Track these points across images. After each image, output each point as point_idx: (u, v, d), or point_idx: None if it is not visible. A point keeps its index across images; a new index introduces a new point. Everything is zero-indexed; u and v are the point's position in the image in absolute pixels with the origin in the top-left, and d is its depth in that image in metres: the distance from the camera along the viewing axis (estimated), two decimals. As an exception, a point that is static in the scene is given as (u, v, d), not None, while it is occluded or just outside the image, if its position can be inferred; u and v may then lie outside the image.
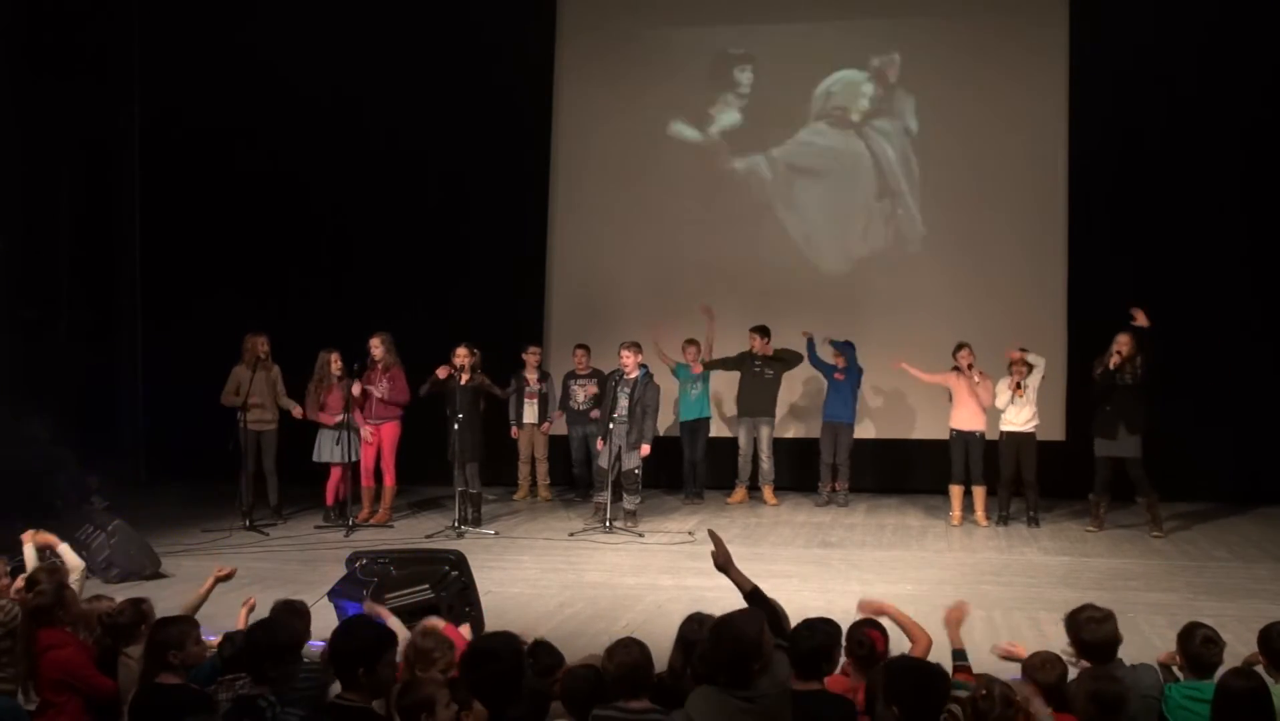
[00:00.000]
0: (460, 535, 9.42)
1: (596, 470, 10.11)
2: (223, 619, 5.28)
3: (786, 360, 10.97)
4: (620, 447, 9.63)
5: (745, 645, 3.43)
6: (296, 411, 10.18)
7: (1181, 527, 9.69)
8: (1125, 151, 11.00)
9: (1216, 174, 10.87)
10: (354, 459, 9.94)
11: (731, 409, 11.33)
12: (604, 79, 12.24)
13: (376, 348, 10.04)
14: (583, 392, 11.16)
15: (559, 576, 8.06)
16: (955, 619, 4.57)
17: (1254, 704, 3.61)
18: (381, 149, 12.32)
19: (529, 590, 7.57)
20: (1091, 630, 4.11)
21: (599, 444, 9.90)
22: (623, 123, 12.16)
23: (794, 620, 4.24)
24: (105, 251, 12.43)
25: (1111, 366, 9.40)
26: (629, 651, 3.68)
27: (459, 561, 6.30)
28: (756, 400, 10.99)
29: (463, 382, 9.71)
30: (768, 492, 11.08)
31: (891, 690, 3.46)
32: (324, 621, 5.84)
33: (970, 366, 9.91)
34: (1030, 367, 9.74)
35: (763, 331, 10.97)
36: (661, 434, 10.44)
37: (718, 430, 11.55)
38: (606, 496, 9.62)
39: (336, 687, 3.71)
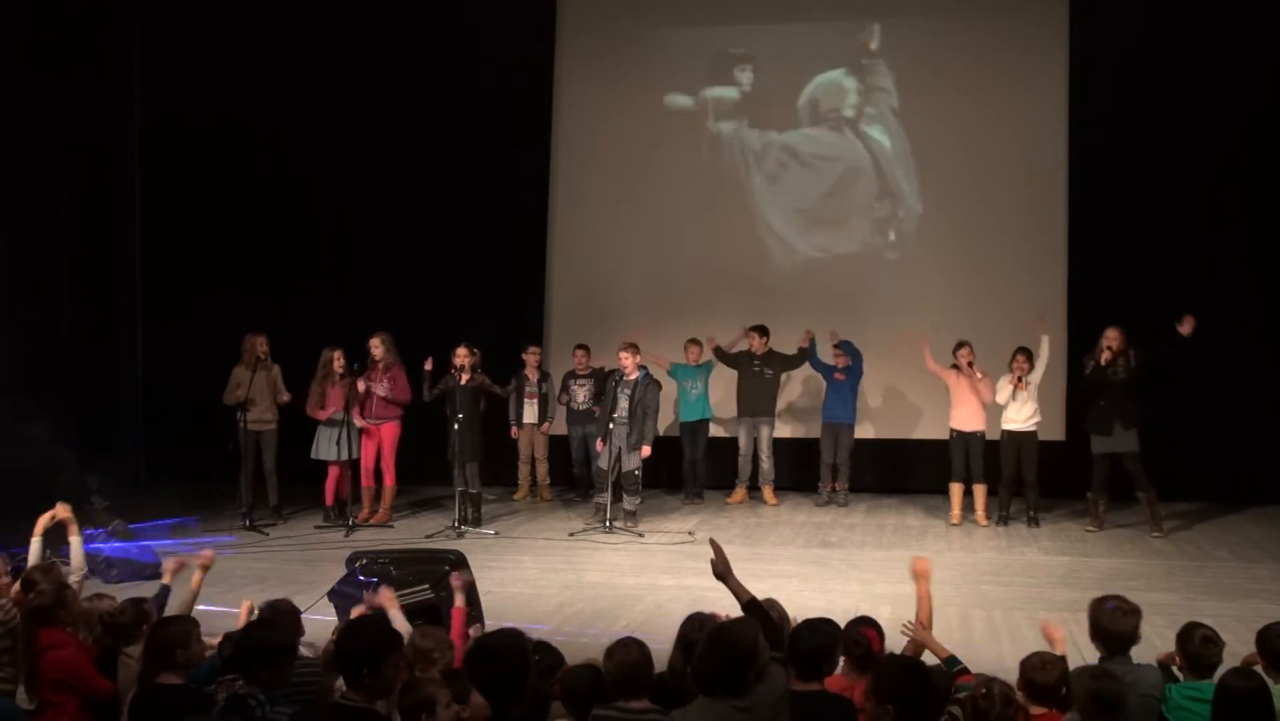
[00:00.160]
0: (460, 535, 9.43)
1: (596, 471, 10.11)
2: (223, 619, 5.28)
3: (788, 361, 10.98)
4: (620, 448, 9.63)
5: (740, 653, 3.43)
6: (284, 398, 10.18)
7: (1181, 527, 9.70)
8: (1125, 151, 10.99)
9: (1216, 173, 10.88)
10: (354, 457, 9.95)
11: (731, 409, 11.33)
12: (604, 79, 12.24)
13: (376, 347, 10.05)
14: (582, 392, 11.16)
15: (559, 576, 8.06)
16: (922, 570, 4.79)
17: (1254, 704, 3.61)
18: (381, 149, 12.33)
19: (529, 590, 7.57)
20: (1114, 620, 4.12)
21: (599, 445, 9.91)
22: (623, 123, 12.16)
23: (794, 620, 4.25)
24: (105, 251, 12.43)
25: (1102, 362, 9.40)
26: (629, 651, 3.68)
27: (459, 561, 6.30)
28: (756, 400, 10.99)
29: (463, 382, 9.72)
30: (768, 492, 11.08)
31: (886, 689, 3.44)
32: (323, 621, 5.86)
33: (971, 365, 9.91)
34: (1031, 366, 9.74)
35: (761, 331, 10.97)
36: (661, 434, 10.44)
37: (718, 430, 11.55)
38: (606, 497, 9.63)
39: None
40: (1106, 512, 9.70)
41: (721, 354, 11.08)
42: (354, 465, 10.02)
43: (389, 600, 4.83)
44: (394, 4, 12.17)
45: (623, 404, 9.67)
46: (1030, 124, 11.37)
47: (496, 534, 9.64)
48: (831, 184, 11.90)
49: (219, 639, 4.45)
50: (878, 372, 11.12)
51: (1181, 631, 4.16)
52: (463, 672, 3.76)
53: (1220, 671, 3.93)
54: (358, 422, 9.96)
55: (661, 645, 4.07)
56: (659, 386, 10.08)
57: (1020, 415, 9.79)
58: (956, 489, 10.05)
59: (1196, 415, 10.49)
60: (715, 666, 3.45)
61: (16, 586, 5.07)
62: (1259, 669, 3.96)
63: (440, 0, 12.17)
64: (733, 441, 11.24)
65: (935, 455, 10.64)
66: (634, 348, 9.79)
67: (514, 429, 11.31)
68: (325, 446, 10.03)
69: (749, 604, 4.24)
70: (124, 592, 5.52)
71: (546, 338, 12.16)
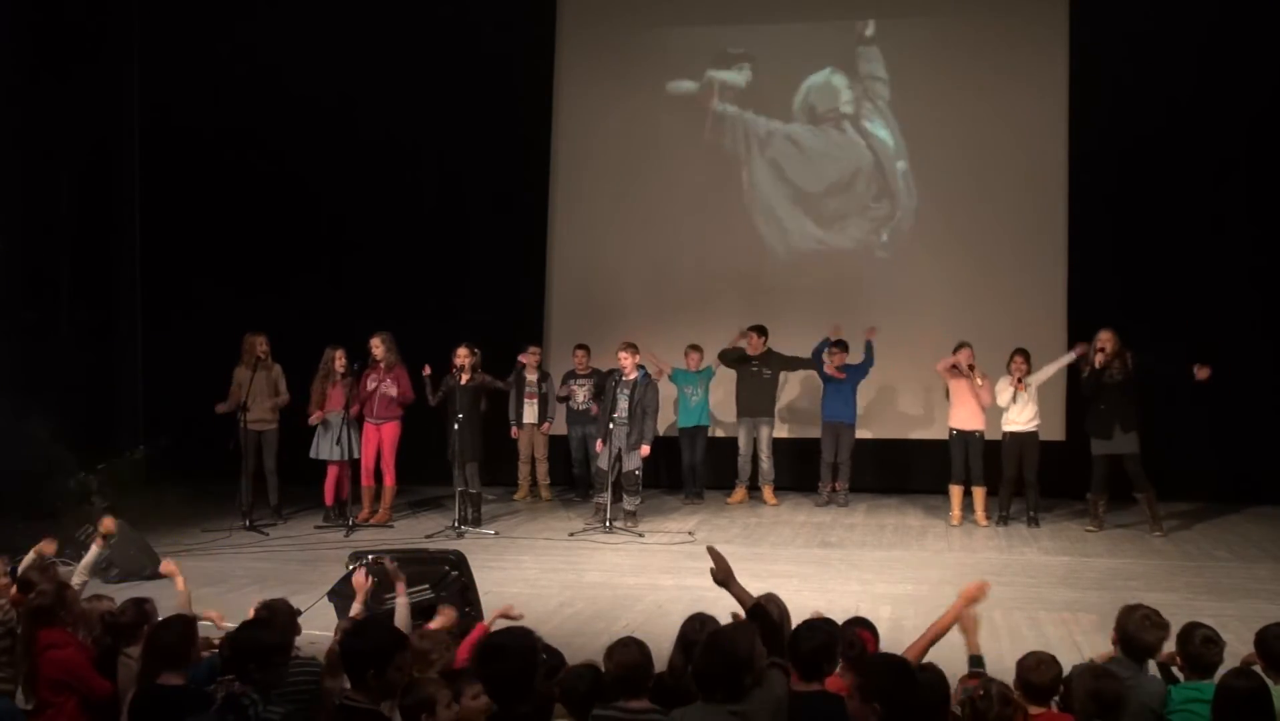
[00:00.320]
0: (460, 535, 9.43)
1: (596, 471, 10.11)
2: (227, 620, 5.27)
3: (787, 361, 10.97)
4: (620, 449, 9.63)
5: (737, 658, 3.42)
6: (283, 399, 10.24)
7: (1181, 527, 9.70)
8: (1125, 151, 10.98)
9: (1217, 173, 10.87)
10: (353, 456, 9.95)
11: (731, 409, 11.32)
12: (604, 78, 12.24)
13: (377, 347, 10.05)
14: (582, 392, 11.16)
15: (559, 576, 8.06)
16: (970, 594, 4.40)
17: (1254, 704, 3.61)
18: (381, 149, 12.31)
19: (529, 590, 7.56)
20: (1141, 629, 4.09)
21: (598, 445, 9.91)
22: (623, 123, 12.17)
23: (794, 620, 4.24)
24: (105, 251, 12.42)
25: (1098, 365, 9.39)
26: (629, 651, 3.68)
27: (459, 561, 6.31)
28: (755, 400, 10.99)
29: (463, 382, 9.73)
30: (768, 493, 11.08)
31: (870, 688, 3.42)
32: (323, 621, 5.86)
33: (972, 368, 9.90)
34: (1029, 368, 9.74)
35: (760, 331, 10.97)
36: (661, 434, 10.44)
37: (717, 430, 11.55)
38: (606, 497, 9.63)
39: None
40: (1106, 513, 9.70)
41: (726, 357, 11.07)
42: (354, 465, 10.02)
43: (399, 584, 4.84)
44: (394, 4, 12.17)
45: (622, 404, 9.67)
46: (1030, 124, 11.37)
47: (496, 534, 9.64)
48: (831, 183, 11.90)
49: (219, 639, 4.46)
50: (877, 372, 11.08)
51: (1182, 631, 4.14)
52: (466, 671, 3.76)
53: (1220, 671, 3.93)
54: (353, 412, 9.94)
55: (661, 645, 4.07)
56: (658, 386, 10.06)
57: (1022, 417, 9.78)
58: (956, 490, 10.04)
59: (1196, 415, 10.47)
60: (712, 671, 3.44)
61: (14, 587, 5.08)
62: (1258, 669, 3.96)
63: (441, 1, 12.16)
64: (732, 441, 11.24)
65: (935, 455, 10.64)
66: (633, 347, 9.79)
67: (514, 429, 11.30)
68: (325, 446, 10.03)
69: (754, 609, 4.24)
70: (123, 593, 5.52)
71: (546, 338, 12.15)
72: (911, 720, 3.42)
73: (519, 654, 3.63)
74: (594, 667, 3.80)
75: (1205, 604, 7.05)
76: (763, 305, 11.41)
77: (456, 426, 9.62)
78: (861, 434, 11.14)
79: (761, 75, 12.03)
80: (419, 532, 9.58)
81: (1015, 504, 9.98)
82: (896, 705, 3.37)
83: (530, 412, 11.29)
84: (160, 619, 4.42)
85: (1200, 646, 4.04)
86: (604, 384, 10.23)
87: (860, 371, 10.72)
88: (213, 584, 7.57)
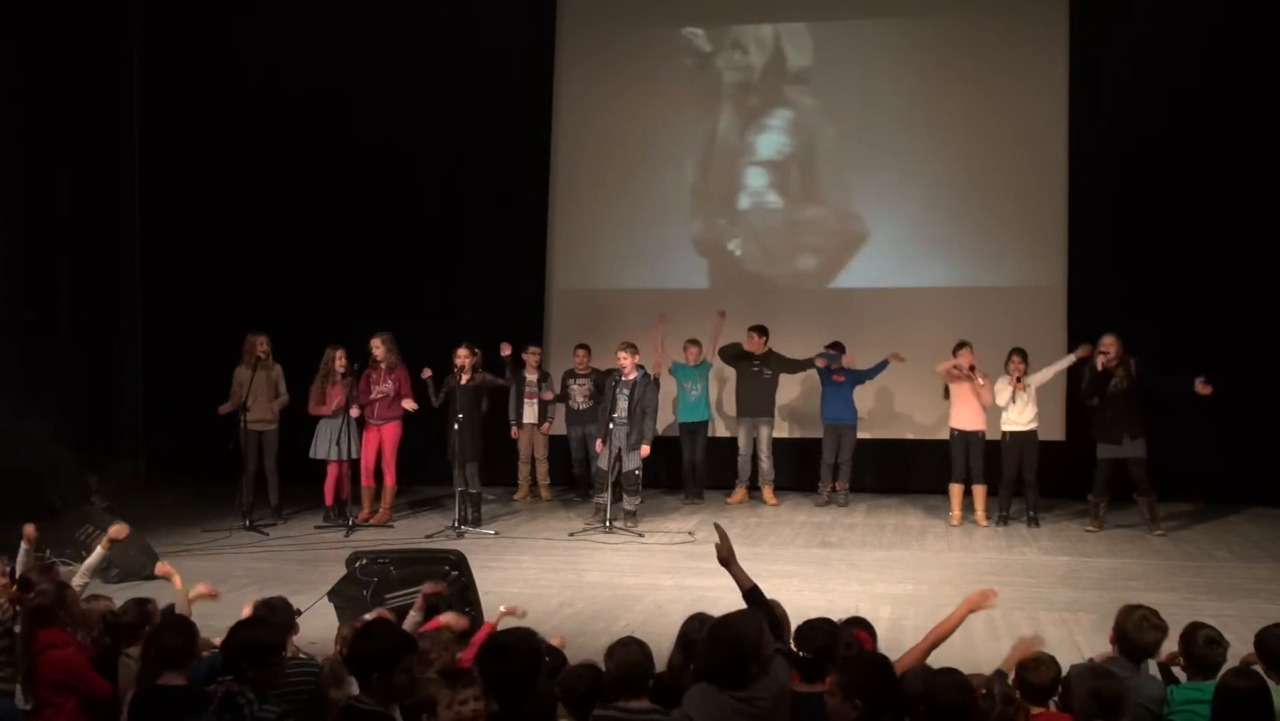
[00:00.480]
0: (460, 535, 9.42)
1: (596, 471, 10.11)
2: (224, 619, 5.27)
3: (787, 363, 10.96)
4: (620, 449, 9.63)
5: (744, 646, 3.42)
6: (283, 400, 10.25)
7: (1181, 527, 9.70)
8: (1125, 151, 10.97)
9: (1217, 173, 10.87)
10: (353, 456, 9.95)
11: (731, 409, 11.32)
12: (604, 77, 12.24)
13: (377, 348, 10.05)
14: (581, 392, 11.15)
15: (559, 576, 8.06)
16: (974, 602, 4.38)
17: (1254, 704, 3.61)
18: (381, 149, 12.31)
19: (529, 590, 7.56)
20: (1139, 629, 4.09)
21: (598, 445, 9.90)
22: (623, 122, 12.16)
23: (794, 620, 4.24)
24: (105, 251, 12.42)
25: (1099, 367, 9.39)
26: (629, 651, 3.68)
27: (459, 561, 6.31)
28: (755, 400, 10.98)
29: (463, 382, 9.73)
30: (768, 493, 11.07)
31: (850, 685, 3.41)
32: (322, 621, 5.86)
33: (973, 368, 9.89)
34: (1027, 367, 9.74)
35: (761, 331, 10.96)
36: (661, 433, 10.44)
37: (718, 430, 11.54)
38: (606, 497, 9.63)
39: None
40: (1107, 513, 9.70)
41: (726, 353, 11.06)
42: (354, 465, 10.02)
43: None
44: (394, 4, 12.17)
45: (622, 404, 9.67)
46: (1030, 124, 11.36)
47: (496, 534, 9.64)
48: (830, 182, 11.89)
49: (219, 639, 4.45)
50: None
51: (1185, 632, 4.14)
52: (468, 670, 3.76)
53: (1221, 671, 3.93)
54: (353, 413, 9.94)
55: (661, 645, 4.07)
56: (658, 386, 10.06)
57: (1022, 417, 9.78)
58: (956, 490, 10.04)
59: (1197, 416, 10.45)
60: (718, 659, 3.44)
61: (14, 586, 5.07)
62: (1258, 669, 3.95)
63: (440, 0, 12.16)
64: (732, 441, 11.24)
65: (935, 455, 10.64)
66: (632, 347, 9.79)
67: (514, 429, 11.30)
68: (324, 446, 10.03)
69: (750, 592, 4.24)
70: (123, 592, 5.52)
71: (546, 338, 12.15)
72: (891, 717, 3.42)
73: (523, 654, 3.63)
74: (594, 667, 3.81)
75: (1205, 604, 7.04)
76: (763, 305, 11.41)
77: (456, 426, 9.62)
78: (861, 434, 11.13)
79: (762, 75, 12.02)
80: (419, 532, 9.58)
81: (1015, 504, 9.98)
82: (877, 702, 3.36)
83: (530, 413, 11.28)
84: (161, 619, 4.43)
85: (1204, 647, 4.04)
86: (603, 384, 10.23)
87: (860, 377, 10.72)
88: (213, 583, 7.55)
